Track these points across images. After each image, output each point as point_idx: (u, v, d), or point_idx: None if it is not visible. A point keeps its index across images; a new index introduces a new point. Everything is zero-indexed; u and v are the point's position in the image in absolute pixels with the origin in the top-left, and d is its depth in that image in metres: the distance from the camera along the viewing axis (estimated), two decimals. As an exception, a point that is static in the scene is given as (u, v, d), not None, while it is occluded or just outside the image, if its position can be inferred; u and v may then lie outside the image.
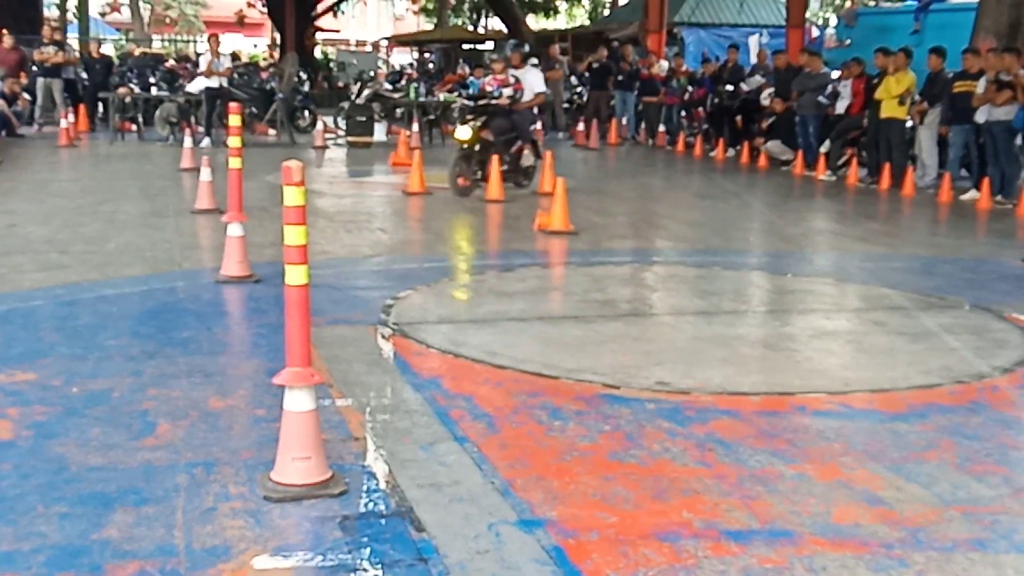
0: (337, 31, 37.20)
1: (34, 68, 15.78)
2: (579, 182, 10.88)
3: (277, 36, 30.10)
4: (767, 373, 4.35)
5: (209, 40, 14.95)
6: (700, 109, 16.28)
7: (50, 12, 26.44)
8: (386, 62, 31.32)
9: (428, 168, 10.30)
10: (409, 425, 3.53)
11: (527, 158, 10.02)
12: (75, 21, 28.61)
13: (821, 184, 11.94)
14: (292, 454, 2.95)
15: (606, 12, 35.49)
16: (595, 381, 4.08)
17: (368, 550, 2.61)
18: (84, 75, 16.94)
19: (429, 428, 3.51)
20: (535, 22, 34.97)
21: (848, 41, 18.32)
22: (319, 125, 15.59)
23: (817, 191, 11.53)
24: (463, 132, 9.55)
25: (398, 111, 17.00)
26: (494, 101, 9.68)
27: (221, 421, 3.54)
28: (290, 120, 15.90)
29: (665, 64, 17.32)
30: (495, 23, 34.01)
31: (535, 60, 13.23)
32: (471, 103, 10.20)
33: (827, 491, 3.07)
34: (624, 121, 17.35)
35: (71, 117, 14.52)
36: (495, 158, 9.45)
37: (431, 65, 29.26)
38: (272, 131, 15.81)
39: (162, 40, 37.96)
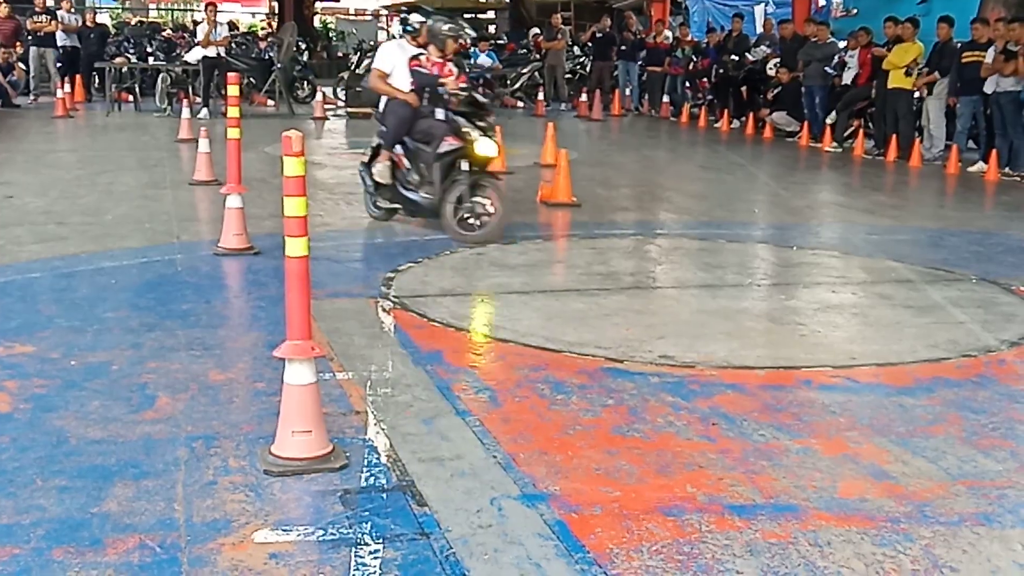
0: (337, 0, 36.81)
1: (29, 37, 15.62)
2: (582, 154, 10.79)
3: (275, 5, 29.78)
4: (772, 347, 4.31)
5: (206, 9, 14.76)
6: (704, 79, 16.12)
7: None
8: (386, 31, 31.05)
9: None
10: (410, 399, 3.50)
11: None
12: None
13: (827, 155, 11.84)
14: (292, 428, 2.93)
15: (609, -19, 35.07)
16: (598, 355, 4.05)
17: (369, 524, 2.59)
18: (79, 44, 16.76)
19: (430, 402, 3.48)
20: (537, -9, 34.52)
21: (855, 10, 18.09)
22: (318, 95, 15.46)
23: (823, 163, 11.44)
24: (489, 147, 6.14)
25: (399, 81, 16.81)
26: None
27: (221, 394, 3.51)
28: (289, 90, 15.77)
29: (669, 34, 17.14)
30: (497, -8, 33.62)
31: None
32: (478, 93, 6.45)
33: (832, 465, 3.04)
34: (627, 92, 17.20)
35: (67, 87, 14.39)
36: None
37: (432, 35, 28.89)
38: (271, 102, 15.68)
39: (159, 9, 37.61)
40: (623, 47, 17.03)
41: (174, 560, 2.40)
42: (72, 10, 16.58)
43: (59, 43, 15.52)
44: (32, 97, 15.24)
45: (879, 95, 11.76)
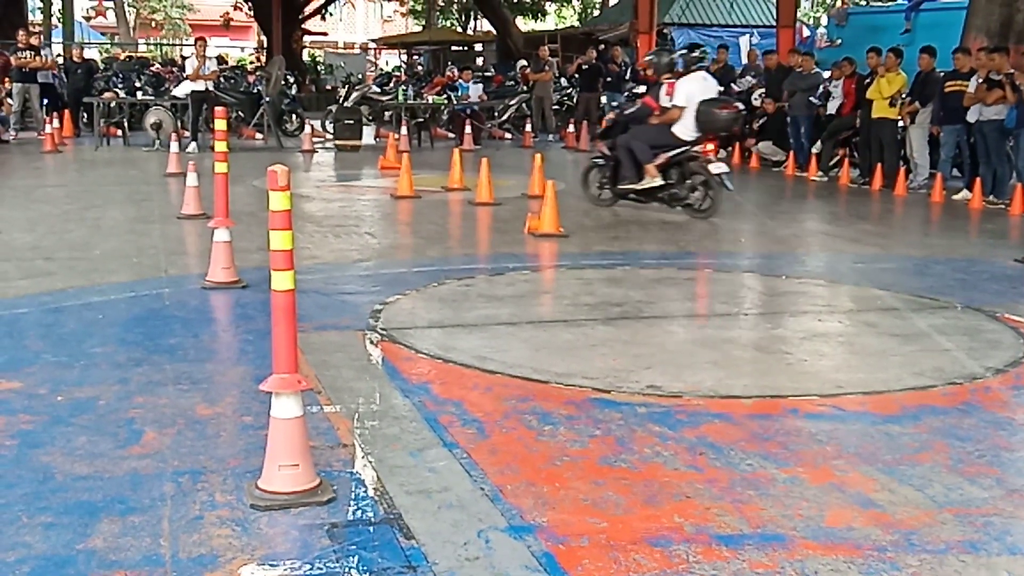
0: (324, 34, 37.15)
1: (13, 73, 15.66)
2: (569, 185, 10.85)
3: (264, 39, 30.05)
4: (759, 376, 4.33)
5: (196, 44, 14.88)
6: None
7: (35, 16, 26.30)
8: (374, 64, 31.29)
9: (417, 171, 10.26)
10: (398, 431, 3.50)
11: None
12: (59, 25, 28.47)
13: (813, 185, 11.95)
14: (279, 461, 2.92)
15: (596, 13, 35.53)
16: (585, 385, 4.06)
17: (356, 558, 2.58)
18: (64, 78, 16.82)
19: (418, 434, 3.48)
20: (524, 24, 34.98)
21: (839, 41, 18.35)
22: (307, 129, 15.54)
23: (809, 192, 11.54)
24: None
25: (387, 114, 16.97)
26: None
27: (208, 429, 3.50)
28: (277, 124, 15.84)
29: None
30: (484, 25, 34.04)
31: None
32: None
33: (819, 494, 3.05)
34: (614, 123, 17.33)
35: (56, 122, 14.41)
36: None
37: (420, 67, 29.27)
38: (259, 135, 15.75)
39: (148, 44, 37.88)
40: (609, 78, 17.20)
41: (159, 597, 2.39)
42: (40, 44, 16.68)
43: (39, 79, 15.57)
44: (13, 132, 15.17)
45: (864, 124, 11.90)
